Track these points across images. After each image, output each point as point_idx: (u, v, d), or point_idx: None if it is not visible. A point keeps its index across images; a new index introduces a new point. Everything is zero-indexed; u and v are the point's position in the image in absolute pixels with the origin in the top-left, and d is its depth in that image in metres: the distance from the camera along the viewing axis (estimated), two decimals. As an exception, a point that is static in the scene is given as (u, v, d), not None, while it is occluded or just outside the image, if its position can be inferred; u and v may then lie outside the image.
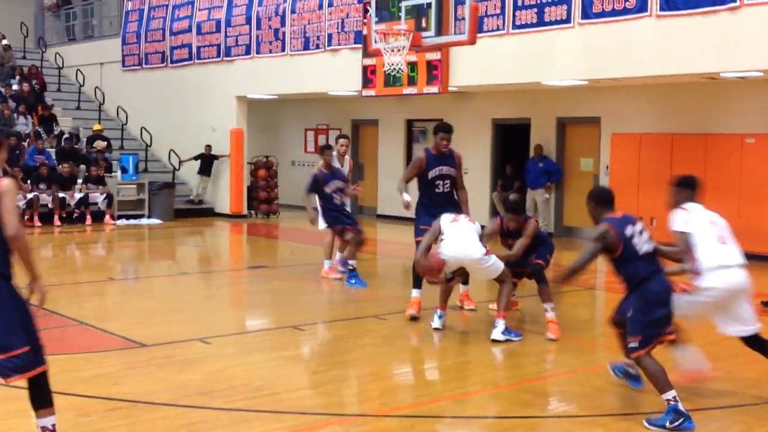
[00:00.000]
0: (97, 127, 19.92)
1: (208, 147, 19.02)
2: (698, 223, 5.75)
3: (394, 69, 12.86)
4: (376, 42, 12.94)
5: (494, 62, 13.58)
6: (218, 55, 18.97)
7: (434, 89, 14.57)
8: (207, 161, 19.07)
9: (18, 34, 24.25)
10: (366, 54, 15.39)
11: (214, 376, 6.36)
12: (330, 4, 16.37)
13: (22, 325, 4.46)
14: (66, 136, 19.08)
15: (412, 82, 14.75)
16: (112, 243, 15.69)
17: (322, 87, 17.07)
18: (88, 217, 17.00)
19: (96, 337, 7.71)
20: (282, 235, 17.15)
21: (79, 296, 9.90)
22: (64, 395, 5.70)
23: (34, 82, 21.16)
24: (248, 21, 18.16)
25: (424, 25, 14.48)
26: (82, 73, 22.74)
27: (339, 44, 16.19)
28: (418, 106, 17.87)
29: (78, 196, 17.03)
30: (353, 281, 10.24)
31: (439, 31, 14.40)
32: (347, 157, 11.33)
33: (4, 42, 22.09)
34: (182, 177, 19.82)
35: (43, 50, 24.46)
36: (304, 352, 7.62)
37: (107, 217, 17.26)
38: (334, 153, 10.75)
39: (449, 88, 14.51)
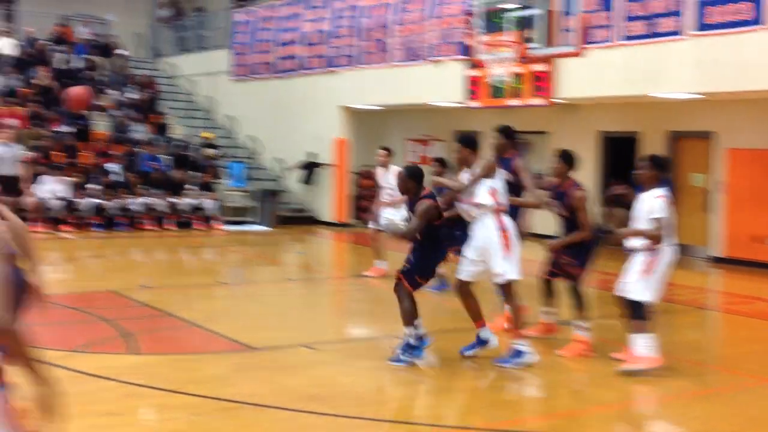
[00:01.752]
0: (207, 134, 20.58)
1: (312, 155, 19.38)
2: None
3: (499, 80, 12.83)
4: (481, 53, 12.96)
5: (602, 74, 13.36)
6: (323, 66, 19.32)
7: (539, 101, 14.44)
8: (310, 170, 19.41)
9: (134, 45, 25.32)
10: (470, 65, 15.41)
11: (319, 381, 6.47)
12: (434, 16, 16.46)
13: None
14: (178, 143, 19.79)
15: (516, 93, 14.67)
16: (220, 248, 16.17)
17: (425, 98, 17.15)
18: (198, 222, 17.57)
19: (206, 339, 7.97)
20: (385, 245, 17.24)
21: (189, 298, 10.23)
22: (178, 394, 5.93)
23: (148, 91, 22.03)
24: (354, 32, 18.43)
25: (530, 36, 14.45)
26: (194, 82, 23.56)
27: (442, 55, 16.24)
28: (521, 118, 17.60)
29: (189, 201, 17.62)
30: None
31: (546, 43, 14.30)
32: (392, 167, 11.40)
33: (121, 52, 23.07)
34: (287, 185, 20.25)
35: (158, 60, 25.44)
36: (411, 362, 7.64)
37: (216, 222, 17.80)
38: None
39: (555, 100, 14.35)
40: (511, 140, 8.00)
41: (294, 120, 20.21)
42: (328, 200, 19.33)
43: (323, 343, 7.76)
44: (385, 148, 12.10)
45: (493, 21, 15.11)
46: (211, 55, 23.41)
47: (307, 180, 19.50)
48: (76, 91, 10.84)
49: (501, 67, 14.33)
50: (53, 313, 8.78)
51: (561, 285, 7.77)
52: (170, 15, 26.53)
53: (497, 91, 14.88)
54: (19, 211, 9.46)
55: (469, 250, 7.11)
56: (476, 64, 15.32)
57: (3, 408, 3.01)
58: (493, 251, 6.97)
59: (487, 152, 7.71)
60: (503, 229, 6.99)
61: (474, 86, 15.49)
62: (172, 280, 11.40)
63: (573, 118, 16.69)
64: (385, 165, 11.78)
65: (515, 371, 6.85)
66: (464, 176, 7.27)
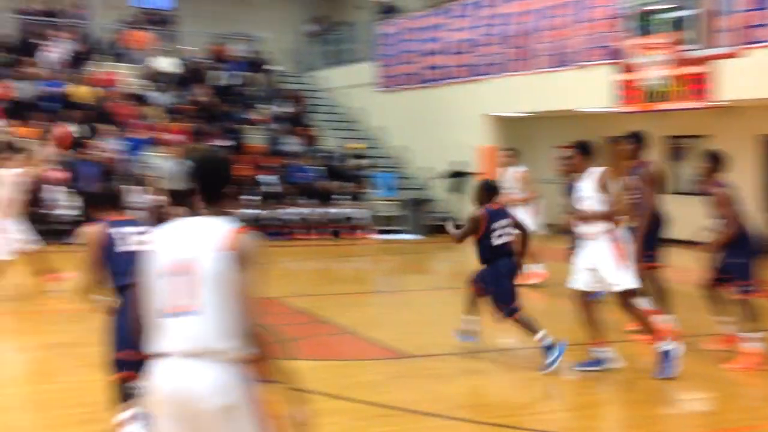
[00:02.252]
0: (355, 146, 21.03)
1: (458, 163, 19.46)
2: None
3: (653, 84, 12.46)
4: (632, 56, 12.63)
5: (765, 74, 12.70)
6: (468, 75, 19.34)
7: (696, 104, 13.90)
8: (458, 178, 19.48)
9: (286, 60, 26.26)
10: (620, 69, 15.03)
11: (474, 390, 6.50)
12: (582, 20, 16.17)
13: None
14: (327, 154, 20.34)
15: (671, 96, 14.18)
16: (372, 257, 16.48)
17: (573, 104, 16.86)
18: (349, 231, 17.99)
19: (362, 346, 8.16)
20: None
21: (344, 306, 10.48)
22: (340, 399, 6.12)
23: (299, 104, 22.78)
24: (500, 40, 18.37)
25: (684, 37, 13.94)
26: (342, 94, 24.16)
27: (590, 60, 15.93)
28: (676, 122, 17.07)
29: (340, 211, 18.10)
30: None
31: (702, 44, 13.74)
32: (513, 168, 11.79)
33: (273, 67, 23.98)
34: (434, 194, 20.40)
35: (308, 74, 26.25)
36: (565, 372, 7.55)
37: (366, 231, 18.18)
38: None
39: (712, 103, 13.76)
40: (641, 146, 7.95)
41: (439, 129, 20.34)
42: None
43: (477, 351, 7.77)
44: (510, 149, 12.55)
45: (645, 23, 14.70)
46: (358, 67, 23.92)
47: (456, 188, 19.56)
48: (60, 131, 13.36)
49: (654, 69, 13.90)
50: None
51: (726, 294, 7.45)
52: (318, 30, 27.34)
53: (650, 95, 14.44)
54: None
55: (582, 259, 6.95)
56: (627, 68, 14.92)
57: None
58: (606, 261, 6.77)
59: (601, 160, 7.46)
60: (616, 240, 6.81)
61: (625, 90, 15.08)
62: (326, 288, 11.73)
63: (732, 121, 15.92)
64: (507, 165, 12.08)
65: (686, 383, 6.62)
66: (580, 183, 7.06)
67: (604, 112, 16.58)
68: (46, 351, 7.65)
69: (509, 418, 5.82)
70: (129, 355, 4.17)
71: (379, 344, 8.04)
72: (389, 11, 23.23)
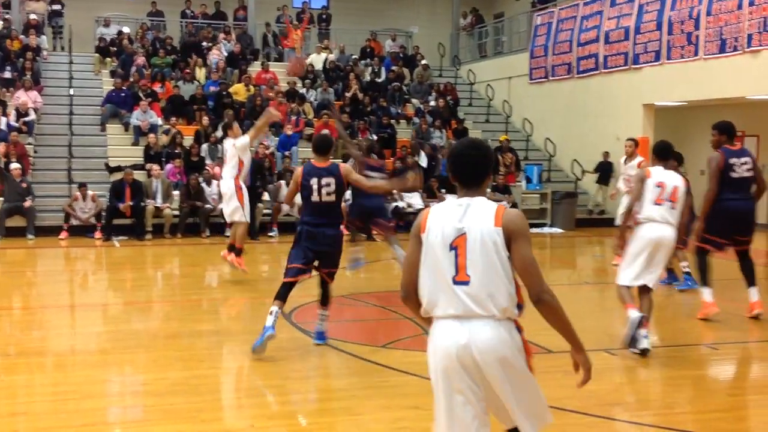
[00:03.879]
0: (503, 137, 20.75)
1: (606, 154, 18.78)
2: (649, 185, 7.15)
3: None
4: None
5: None
6: (625, 63, 18.62)
7: None
8: (605, 170, 18.82)
9: (436, 54, 26.29)
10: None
11: (621, 388, 6.22)
12: (751, 3, 15.16)
13: None
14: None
15: None
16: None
17: (740, 91, 15.86)
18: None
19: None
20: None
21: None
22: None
23: (449, 98, 22.71)
24: (659, 26, 17.56)
25: None
26: (491, 87, 23.90)
27: (761, 45, 14.91)
28: None
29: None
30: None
31: None
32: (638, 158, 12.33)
33: (423, 62, 24.06)
34: (584, 187, 19.80)
35: (457, 68, 26.16)
36: (716, 372, 7.10)
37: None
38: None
39: None
40: (728, 137, 8.28)
41: (592, 120, 19.73)
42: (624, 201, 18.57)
43: (618, 349, 7.43)
44: (632, 139, 13.03)
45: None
46: (510, 59, 23.60)
47: (603, 180, 18.92)
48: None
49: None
50: (363, 310, 9.39)
51: None
52: (470, 22, 27.17)
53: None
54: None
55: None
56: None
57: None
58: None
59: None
60: None
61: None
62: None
63: None
64: (631, 156, 12.60)
65: None
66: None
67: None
68: (197, 338, 7.96)
69: (656, 418, 5.53)
70: None
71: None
72: (545, 1, 22.74)
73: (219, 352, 7.46)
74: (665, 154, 7.38)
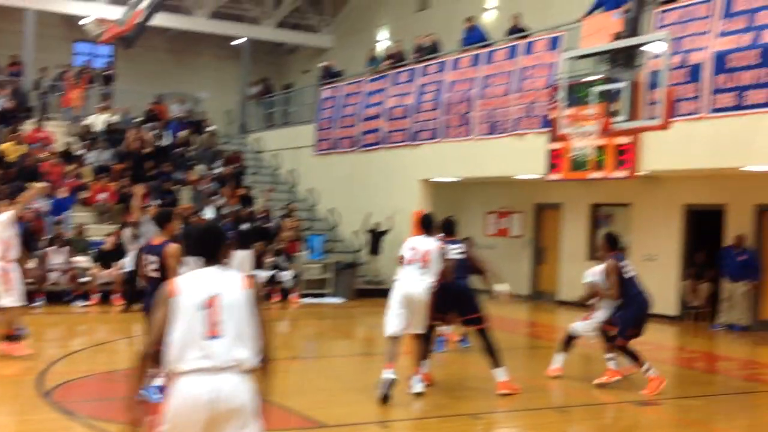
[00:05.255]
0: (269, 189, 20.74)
1: (376, 224, 19.42)
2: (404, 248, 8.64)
3: (582, 153, 12.62)
4: (564, 127, 12.80)
5: (689, 146, 13.02)
6: (405, 140, 19.45)
7: (623, 173, 14.13)
8: (375, 239, 19.39)
9: (224, 121, 26.14)
10: (552, 138, 15.23)
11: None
12: (518, 90, 16.42)
13: None
14: (259, 216, 20.03)
15: (599, 166, 14.40)
16: (297, 321, 16.14)
17: (507, 171, 17.02)
18: (275, 294, 17.60)
19: (278, 415, 7.80)
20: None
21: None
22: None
23: (234, 165, 22.55)
24: (437, 107, 18.55)
25: (614, 109, 14.20)
26: (279, 156, 24.06)
27: (525, 128, 16.15)
28: (604, 191, 17.37)
29: (267, 273, 17.70)
30: None
31: (631, 116, 14.03)
32: None
33: (211, 128, 23.81)
34: (364, 257, 20.25)
35: (245, 136, 26.14)
36: None
37: (293, 295, 17.84)
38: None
39: (639, 173, 14.02)
40: (611, 247, 9.36)
41: (373, 193, 20.32)
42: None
43: (397, 420, 7.54)
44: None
45: (578, 95, 14.93)
46: (298, 129, 23.93)
47: (373, 250, 19.45)
48: None
49: (584, 140, 14.11)
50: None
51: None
52: (260, 92, 27.33)
53: (579, 164, 14.64)
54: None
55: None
56: (558, 138, 15.13)
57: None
58: None
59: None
60: None
61: (555, 159, 15.29)
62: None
63: (657, 191, 16.28)
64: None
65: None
66: None
67: (535, 180, 16.77)
68: None
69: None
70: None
71: (295, 413, 7.74)
72: (333, 76, 23.35)
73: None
74: (427, 225, 8.76)
